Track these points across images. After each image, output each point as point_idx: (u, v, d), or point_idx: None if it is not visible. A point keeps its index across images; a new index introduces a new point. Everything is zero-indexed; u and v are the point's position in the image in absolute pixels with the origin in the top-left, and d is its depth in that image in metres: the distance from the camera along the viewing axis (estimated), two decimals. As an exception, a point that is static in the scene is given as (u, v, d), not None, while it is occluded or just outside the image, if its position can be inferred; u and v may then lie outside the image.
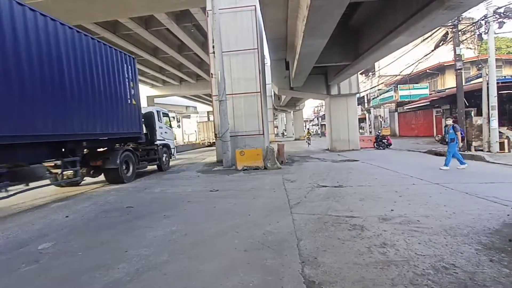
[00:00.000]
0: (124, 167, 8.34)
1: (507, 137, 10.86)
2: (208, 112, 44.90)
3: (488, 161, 8.87)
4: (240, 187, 6.89)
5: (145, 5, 12.59)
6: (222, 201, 5.54)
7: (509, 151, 10.35)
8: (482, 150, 10.60)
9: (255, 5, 11.32)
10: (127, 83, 8.73)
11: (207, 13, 11.33)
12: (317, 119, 60.56)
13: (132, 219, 4.57)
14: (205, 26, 14.07)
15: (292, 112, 43.17)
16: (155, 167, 11.03)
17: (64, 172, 6.73)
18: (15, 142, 5.23)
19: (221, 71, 10.46)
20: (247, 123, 11.59)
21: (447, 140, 8.16)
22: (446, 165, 7.78)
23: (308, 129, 41.45)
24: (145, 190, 7.16)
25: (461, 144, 7.86)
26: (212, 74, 11.53)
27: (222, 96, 10.50)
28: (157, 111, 11.03)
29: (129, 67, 8.92)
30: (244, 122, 11.59)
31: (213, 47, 10.75)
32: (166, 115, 11.89)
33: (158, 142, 10.74)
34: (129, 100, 8.73)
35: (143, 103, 19.26)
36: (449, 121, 8.22)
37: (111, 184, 8.21)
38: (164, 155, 11.12)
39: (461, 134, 7.93)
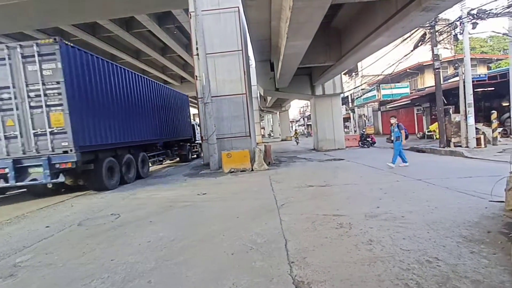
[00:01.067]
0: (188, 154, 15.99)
1: (483, 133, 11.36)
2: (193, 114, 44.40)
3: (466, 156, 9.25)
4: (227, 189, 6.86)
5: (126, 6, 12.29)
6: (209, 204, 5.49)
7: (485, 146, 10.83)
8: (460, 146, 11.03)
9: (238, 7, 11.25)
10: (187, 109, 16.57)
11: (190, 14, 11.20)
12: (303, 119, 61.25)
13: (117, 226, 4.44)
14: (188, 28, 13.93)
15: (278, 113, 43.39)
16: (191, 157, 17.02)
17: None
18: (166, 141, 13.33)
19: (205, 73, 10.37)
20: (234, 125, 11.50)
21: (392, 139, 8.47)
22: (393, 162, 8.06)
23: (296, 130, 42.00)
24: (131, 196, 6.99)
25: (404, 141, 8.21)
26: (196, 76, 11.39)
27: (207, 98, 10.41)
28: (196, 123, 17.87)
29: (186, 101, 16.65)
30: (230, 124, 11.49)
31: (197, 49, 10.65)
32: (199, 125, 18.55)
33: (196, 142, 17.52)
34: (188, 119, 16.56)
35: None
36: (393, 120, 8.56)
37: (181, 163, 15.52)
38: (199, 149, 17.57)
39: (405, 132, 8.26)
